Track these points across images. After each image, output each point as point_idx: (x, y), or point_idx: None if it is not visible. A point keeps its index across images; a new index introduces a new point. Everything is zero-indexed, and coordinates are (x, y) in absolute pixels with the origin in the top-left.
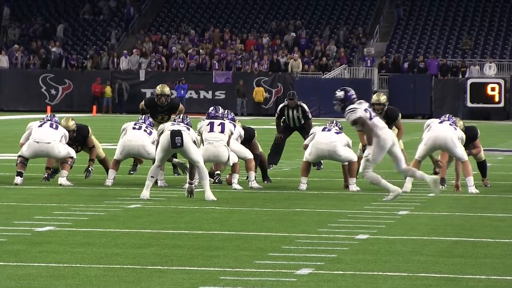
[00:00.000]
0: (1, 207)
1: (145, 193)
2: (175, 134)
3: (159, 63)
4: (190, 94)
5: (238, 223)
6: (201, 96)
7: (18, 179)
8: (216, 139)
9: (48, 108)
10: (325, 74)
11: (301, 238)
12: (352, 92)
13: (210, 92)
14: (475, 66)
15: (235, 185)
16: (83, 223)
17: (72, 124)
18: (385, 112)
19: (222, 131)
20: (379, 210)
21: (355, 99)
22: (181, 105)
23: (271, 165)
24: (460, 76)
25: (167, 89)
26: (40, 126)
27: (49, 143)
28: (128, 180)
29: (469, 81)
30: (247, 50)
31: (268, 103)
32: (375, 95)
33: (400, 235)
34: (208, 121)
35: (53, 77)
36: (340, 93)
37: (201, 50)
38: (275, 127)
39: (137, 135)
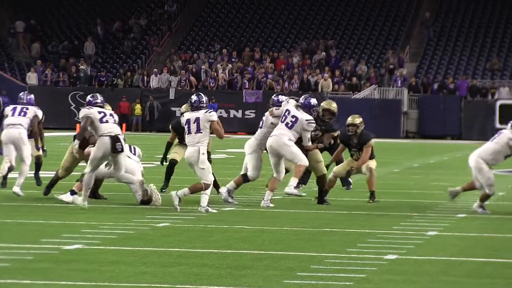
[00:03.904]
0: (29, 224)
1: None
2: (116, 139)
3: (189, 82)
4: (220, 113)
5: (267, 242)
6: (231, 115)
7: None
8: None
9: (77, 126)
10: (355, 94)
11: (330, 258)
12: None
13: (240, 111)
14: (505, 87)
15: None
16: (112, 241)
17: None
18: (358, 135)
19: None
20: (408, 231)
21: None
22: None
23: (300, 185)
24: (490, 97)
25: None
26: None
27: None
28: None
29: (499, 103)
30: (277, 69)
31: None
32: (350, 117)
33: (429, 256)
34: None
35: (82, 94)
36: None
37: (231, 68)
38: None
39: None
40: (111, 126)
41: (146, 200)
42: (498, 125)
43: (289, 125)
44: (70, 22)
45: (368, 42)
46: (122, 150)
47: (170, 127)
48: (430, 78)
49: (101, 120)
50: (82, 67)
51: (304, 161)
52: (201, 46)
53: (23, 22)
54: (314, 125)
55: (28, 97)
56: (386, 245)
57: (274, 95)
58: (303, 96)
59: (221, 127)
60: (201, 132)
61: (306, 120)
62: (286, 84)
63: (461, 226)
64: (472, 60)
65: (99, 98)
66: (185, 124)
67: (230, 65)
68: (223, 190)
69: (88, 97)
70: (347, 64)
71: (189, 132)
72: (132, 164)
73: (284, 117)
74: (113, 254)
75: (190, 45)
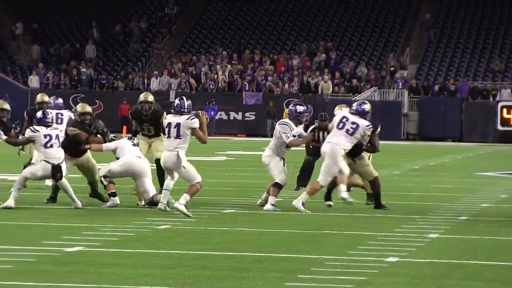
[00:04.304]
0: (31, 227)
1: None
2: (57, 169)
3: (189, 84)
4: (220, 115)
5: (267, 244)
6: (231, 117)
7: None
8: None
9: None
10: (355, 96)
11: (331, 260)
12: None
13: (240, 113)
14: (506, 89)
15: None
16: (113, 244)
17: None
18: None
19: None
20: (409, 233)
21: None
22: (164, 114)
23: (300, 187)
24: (491, 99)
25: (150, 97)
26: None
27: None
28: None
29: (500, 104)
30: (277, 71)
31: None
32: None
33: (430, 258)
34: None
35: (83, 97)
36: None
37: (231, 70)
38: (304, 149)
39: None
40: (55, 152)
41: (153, 202)
42: (499, 127)
43: (350, 132)
44: (71, 25)
45: (368, 44)
46: (61, 179)
47: (129, 114)
48: (430, 80)
49: (45, 145)
50: (83, 69)
51: (323, 182)
52: (201, 49)
53: (23, 25)
54: (372, 129)
55: (56, 101)
56: (387, 248)
57: (292, 104)
58: (355, 103)
59: (205, 131)
60: (181, 138)
61: (367, 126)
62: (286, 86)
63: (462, 228)
64: (473, 62)
65: (49, 116)
66: (166, 128)
67: (229, 67)
68: (268, 207)
69: (39, 114)
70: (347, 66)
71: (169, 136)
72: (143, 163)
73: (342, 124)
74: (114, 256)
75: (190, 47)
